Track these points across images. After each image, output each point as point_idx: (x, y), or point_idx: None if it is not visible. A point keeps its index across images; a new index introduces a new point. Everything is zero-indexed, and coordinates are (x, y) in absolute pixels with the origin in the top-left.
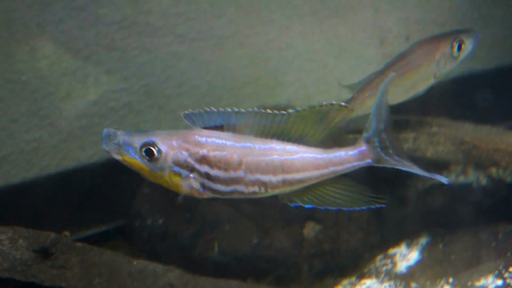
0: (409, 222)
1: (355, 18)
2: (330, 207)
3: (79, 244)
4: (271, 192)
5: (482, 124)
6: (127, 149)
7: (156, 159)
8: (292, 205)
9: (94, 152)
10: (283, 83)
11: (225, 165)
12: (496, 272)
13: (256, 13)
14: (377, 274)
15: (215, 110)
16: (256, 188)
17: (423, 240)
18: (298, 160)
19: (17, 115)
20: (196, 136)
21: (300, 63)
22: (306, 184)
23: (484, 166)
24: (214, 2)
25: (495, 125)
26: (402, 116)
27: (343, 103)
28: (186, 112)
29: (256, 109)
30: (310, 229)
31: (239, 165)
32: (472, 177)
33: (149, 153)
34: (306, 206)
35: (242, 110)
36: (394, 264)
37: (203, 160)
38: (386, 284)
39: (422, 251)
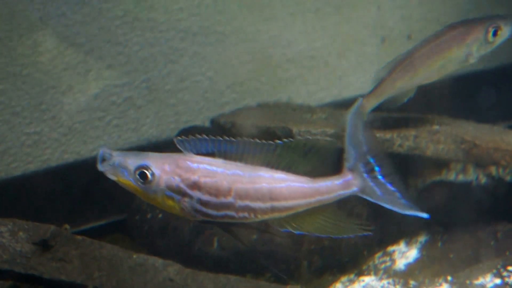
0: (408, 220)
1: (357, 15)
2: (319, 234)
3: (79, 237)
4: (260, 218)
5: (483, 123)
6: (122, 171)
7: (150, 182)
8: (282, 230)
9: (95, 146)
10: (284, 80)
11: (215, 191)
12: (495, 271)
13: (259, 10)
14: (376, 271)
15: (207, 138)
16: (246, 214)
17: (422, 238)
18: (286, 188)
19: (19, 109)
20: (188, 162)
21: (302, 60)
22: (294, 211)
23: (484, 165)
24: None
25: (495, 124)
26: (403, 114)
27: (328, 138)
28: (179, 138)
29: (245, 138)
30: None
31: (228, 191)
32: (472, 175)
33: (143, 176)
34: (296, 232)
35: (233, 139)
36: (393, 261)
37: (195, 186)
38: (385, 281)
39: (421, 249)
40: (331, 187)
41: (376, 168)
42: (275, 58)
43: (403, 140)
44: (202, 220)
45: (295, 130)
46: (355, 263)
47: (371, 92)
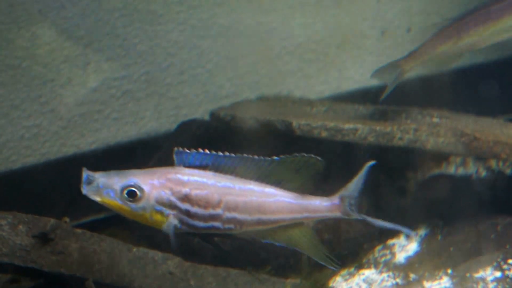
0: (408, 214)
1: (357, 8)
2: (299, 249)
3: (78, 231)
4: (244, 230)
5: (483, 116)
6: (107, 192)
7: (139, 200)
8: (264, 241)
9: (94, 139)
10: (284, 72)
11: (205, 203)
12: (495, 264)
13: (258, 2)
14: (376, 264)
15: (207, 152)
16: (231, 225)
17: (422, 232)
18: (274, 203)
19: (18, 101)
20: (178, 175)
21: (301, 53)
22: (278, 225)
23: (484, 158)
24: None
25: (496, 117)
26: (403, 107)
27: (317, 157)
28: (179, 149)
29: (245, 155)
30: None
31: (218, 203)
32: (472, 169)
33: (132, 194)
34: (277, 244)
35: (232, 154)
36: (393, 255)
37: (185, 198)
38: (385, 274)
39: (421, 243)
40: (318, 207)
41: (355, 208)
42: (275, 51)
43: (403, 133)
44: (186, 231)
45: (295, 123)
46: (355, 256)
47: (411, 53)
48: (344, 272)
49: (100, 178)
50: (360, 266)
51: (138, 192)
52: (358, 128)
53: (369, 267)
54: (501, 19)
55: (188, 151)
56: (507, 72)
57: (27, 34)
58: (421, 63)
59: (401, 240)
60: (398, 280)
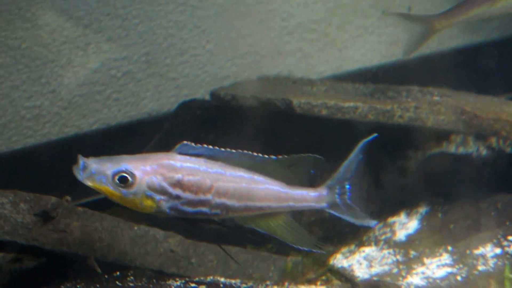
0: (408, 192)
1: None
2: (280, 238)
3: (80, 209)
4: (230, 215)
5: (484, 94)
6: (99, 178)
7: (130, 185)
8: (247, 227)
9: (95, 120)
10: (284, 52)
11: (197, 188)
12: (495, 240)
13: None
14: (376, 242)
15: (211, 148)
16: (218, 211)
17: (422, 209)
18: (262, 190)
19: (18, 82)
20: (171, 161)
21: (302, 33)
22: (263, 212)
23: (484, 136)
24: None
25: (497, 96)
26: (404, 86)
27: (316, 155)
28: (186, 142)
29: (245, 151)
30: None
31: (209, 189)
32: (472, 147)
33: (123, 180)
34: (260, 231)
35: (233, 150)
36: (393, 232)
37: (177, 184)
38: (385, 251)
39: (422, 220)
40: (305, 197)
41: (348, 194)
42: (275, 31)
43: (404, 111)
44: (174, 217)
45: (295, 101)
46: (355, 234)
47: (444, 13)
48: (344, 249)
49: (93, 164)
50: (360, 244)
51: (129, 178)
52: (358, 106)
53: (369, 244)
54: None
55: (189, 143)
56: (508, 51)
57: (27, 14)
58: (453, 25)
59: (401, 218)
60: (398, 257)
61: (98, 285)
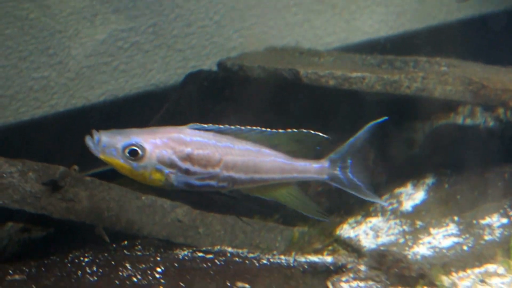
0: (415, 163)
1: None
2: (285, 204)
3: (88, 179)
4: (236, 187)
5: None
6: (109, 150)
7: (140, 158)
8: (252, 196)
9: (103, 91)
10: (291, 24)
11: (206, 162)
12: (502, 211)
13: None
14: (383, 212)
15: (222, 126)
16: (225, 184)
17: (429, 181)
18: (269, 163)
19: (26, 53)
20: (181, 135)
21: (309, 4)
22: (267, 184)
23: (492, 107)
24: None
25: (504, 66)
26: (412, 57)
27: (323, 135)
28: (197, 124)
29: (255, 127)
30: None
31: (218, 163)
32: (480, 119)
33: (134, 153)
34: (265, 198)
35: (243, 127)
36: (399, 203)
37: (187, 157)
38: (392, 222)
39: (428, 191)
40: (308, 168)
41: (349, 168)
42: (283, 2)
43: (411, 82)
44: (181, 189)
45: (302, 71)
46: (362, 205)
47: None
48: (351, 220)
49: (103, 136)
50: (367, 215)
51: (139, 151)
52: (366, 77)
53: (376, 215)
54: None
55: (197, 125)
56: None
57: None
58: None
59: (408, 189)
60: (405, 227)
61: (106, 254)
